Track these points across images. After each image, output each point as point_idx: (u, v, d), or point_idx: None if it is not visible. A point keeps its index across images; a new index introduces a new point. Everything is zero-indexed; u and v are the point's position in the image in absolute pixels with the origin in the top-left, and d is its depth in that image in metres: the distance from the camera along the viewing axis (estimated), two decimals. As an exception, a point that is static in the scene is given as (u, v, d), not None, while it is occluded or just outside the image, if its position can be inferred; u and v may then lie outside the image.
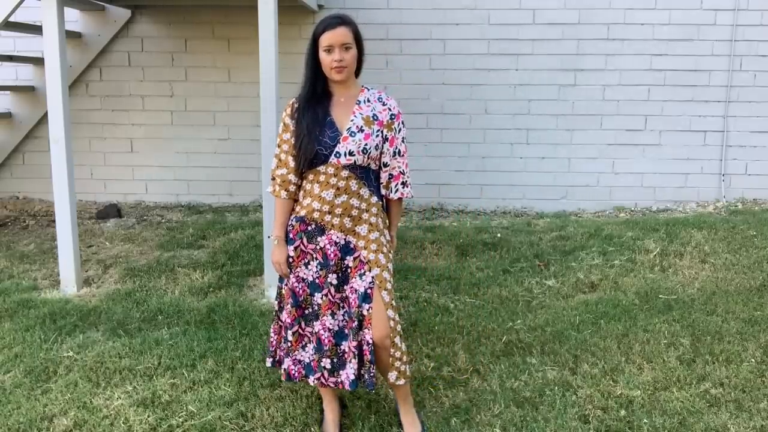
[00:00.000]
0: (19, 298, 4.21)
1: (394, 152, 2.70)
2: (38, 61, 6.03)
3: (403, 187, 2.75)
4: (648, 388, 3.10)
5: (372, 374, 2.62)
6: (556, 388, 3.11)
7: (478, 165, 6.45)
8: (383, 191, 2.74)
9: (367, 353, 2.60)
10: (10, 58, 5.97)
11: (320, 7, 6.19)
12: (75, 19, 6.23)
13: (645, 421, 2.84)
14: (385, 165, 2.70)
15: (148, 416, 2.90)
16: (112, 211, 6.19)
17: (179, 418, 2.90)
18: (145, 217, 6.16)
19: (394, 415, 2.90)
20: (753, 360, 3.34)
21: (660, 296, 4.14)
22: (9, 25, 5.13)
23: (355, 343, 2.61)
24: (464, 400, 3.04)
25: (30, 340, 3.62)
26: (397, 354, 2.64)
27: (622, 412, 2.91)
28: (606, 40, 6.22)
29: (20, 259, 5.01)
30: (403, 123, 2.72)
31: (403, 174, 2.74)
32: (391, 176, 2.72)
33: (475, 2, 6.21)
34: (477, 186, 6.49)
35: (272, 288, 4.28)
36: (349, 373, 2.63)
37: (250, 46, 6.19)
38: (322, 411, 2.90)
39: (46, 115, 4.79)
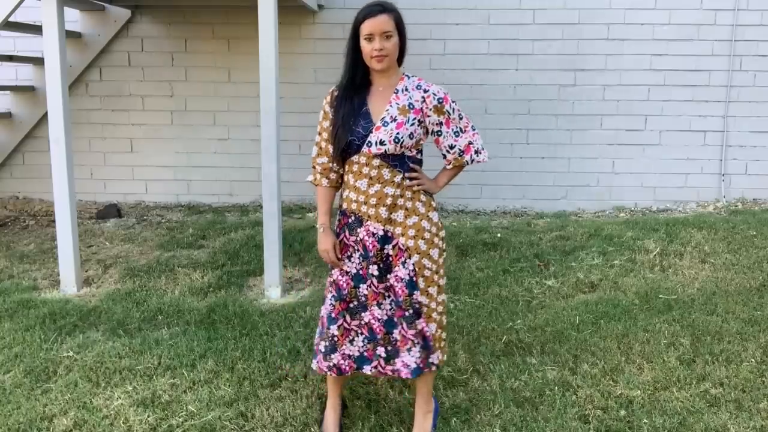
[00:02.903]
0: (19, 298, 4.21)
1: (455, 132, 2.67)
2: (38, 61, 6.02)
3: (477, 155, 2.72)
4: (648, 388, 3.10)
5: (437, 356, 2.70)
6: (556, 388, 3.12)
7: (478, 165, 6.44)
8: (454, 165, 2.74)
9: (431, 340, 2.65)
10: (10, 58, 5.96)
11: (320, 7, 6.19)
12: (75, 19, 6.22)
13: (645, 421, 2.84)
14: (451, 147, 2.68)
15: (148, 416, 2.90)
16: (112, 211, 6.19)
17: (179, 418, 2.90)
18: (145, 217, 6.16)
19: (394, 415, 2.91)
20: (753, 360, 3.34)
21: (660, 296, 4.14)
22: (9, 25, 5.12)
23: (413, 332, 2.61)
24: (464, 400, 3.04)
25: (30, 340, 3.63)
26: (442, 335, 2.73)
27: (622, 412, 2.91)
28: (606, 40, 6.22)
29: (20, 259, 5.01)
30: (454, 102, 2.68)
31: (472, 144, 2.70)
32: (461, 152, 2.69)
33: (475, 2, 6.21)
34: (477, 186, 6.49)
35: (272, 288, 4.29)
36: (407, 361, 2.62)
37: (250, 46, 6.19)
38: (322, 411, 2.90)
39: (46, 115, 4.79)
